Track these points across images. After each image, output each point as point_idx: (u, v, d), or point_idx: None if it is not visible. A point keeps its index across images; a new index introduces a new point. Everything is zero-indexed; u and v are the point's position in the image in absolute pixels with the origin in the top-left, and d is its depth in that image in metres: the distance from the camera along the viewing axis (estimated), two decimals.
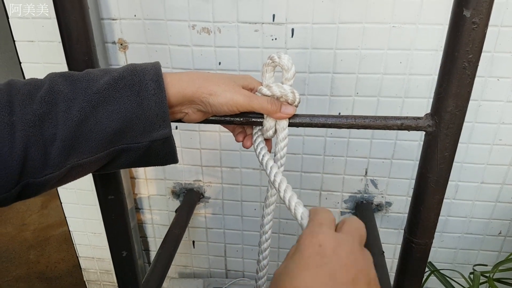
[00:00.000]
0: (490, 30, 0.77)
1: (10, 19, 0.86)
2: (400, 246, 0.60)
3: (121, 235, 0.66)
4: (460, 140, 0.88)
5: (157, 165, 0.50)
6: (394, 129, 0.52)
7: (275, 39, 0.84)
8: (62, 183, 0.45)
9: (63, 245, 1.79)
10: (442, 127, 0.49)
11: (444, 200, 0.97)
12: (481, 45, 0.45)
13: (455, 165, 0.93)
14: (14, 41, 0.88)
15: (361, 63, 0.85)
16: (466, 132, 0.89)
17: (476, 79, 0.82)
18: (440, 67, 0.48)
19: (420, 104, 0.87)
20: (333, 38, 0.83)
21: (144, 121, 0.45)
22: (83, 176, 0.46)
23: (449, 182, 0.94)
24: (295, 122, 0.52)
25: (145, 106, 0.44)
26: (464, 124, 0.86)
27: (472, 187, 0.96)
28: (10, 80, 0.43)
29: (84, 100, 0.42)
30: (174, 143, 0.48)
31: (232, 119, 0.51)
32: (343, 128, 0.52)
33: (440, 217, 0.98)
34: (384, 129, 0.52)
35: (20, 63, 0.91)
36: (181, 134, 0.99)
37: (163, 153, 0.48)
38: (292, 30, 0.83)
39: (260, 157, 0.51)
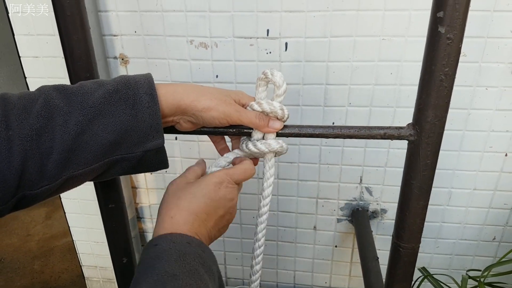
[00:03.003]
0: (477, 41, 0.81)
1: (16, 36, 0.90)
2: None
3: (122, 242, 0.69)
4: (451, 147, 0.92)
5: (149, 172, 0.53)
6: (377, 138, 0.54)
7: (270, 52, 0.87)
8: (56, 194, 0.46)
9: (66, 255, 1.81)
10: (423, 136, 0.52)
11: (438, 206, 1.00)
12: (457, 59, 0.48)
13: (447, 172, 0.96)
14: (19, 56, 0.92)
15: (353, 75, 0.88)
16: (457, 140, 0.92)
17: (465, 88, 0.86)
18: (420, 79, 0.51)
19: (411, 113, 0.89)
20: (325, 51, 0.86)
21: (139, 132, 0.47)
22: (77, 186, 0.47)
23: (442, 189, 0.97)
24: (285, 132, 0.55)
25: (140, 118, 0.46)
26: (455, 132, 0.90)
27: (465, 193, 0.98)
28: (2, 94, 0.43)
29: (80, 113, 0.44)
30: (166, 153, 0.51)
31: (225, 130, 0.54)
32: (330, 137, 0.55)
33: (434, 223, 1.02)
34: (368, 138, 0.54)
35: (25, 77, 0.95)
36: (180, 144, 1.02)
37: (156, 162, 0.51)
38: (286, 44, 0.86)
39: None
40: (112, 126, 0.45)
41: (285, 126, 0.55)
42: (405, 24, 0.82)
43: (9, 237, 1.96)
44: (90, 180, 0.51)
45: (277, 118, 0.54)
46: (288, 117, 0.54)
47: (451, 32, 0.46)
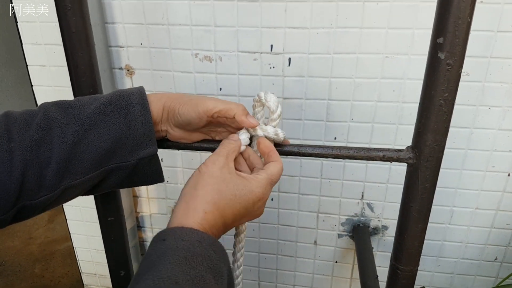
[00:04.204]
0: (480, 61, 0.81)
1: (24, 45, 0.92)
2: None
3: (120, 255, 0.69)
4: (454, 166, 0.92)
5: (146, 184, 0.53)
6: (376, 160, 0.54)
7: (273, 67, 0.88)
8: (55, 205, 0.48)
9: (67, 260, 1.82)
10: (422, 160, 0.52)
11: (440, 225, 0.99)
12: (456, 85, 0.48)
13: (449, 190, 0.96)
14: (27, 65, 0.94)
15: (356, 91, 0.88)
16: (459, 158, 0.91)
17: (468, 108, 0.86)
18: (419, 103, 0.51)
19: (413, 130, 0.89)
20: (328, 67, 0.86)
21: (132, 140, 0.48)
22: (75, 197, 0.49)
23: (444, 207, 0.97)
24: (284, 150, 0.55)
25: (133, 126, 0.48)
26: (457, 150, 0.90)
27: (467, 212, 0.97)
28: (6, 112, 0.46)
29: (76, 124, 0.46)
30: (159, 162, 0.52)
31: (213, 146, 0.55)
32: (329, 157, 0.56)
33: (436, 242, 1.01)
34: (367, 159, 0.55)
35: (32, 86, 0.96)
36: (182, 155, 1.02)
37: (150, 172, 0.52)
38: (289, 59, 0.87)
39: None
40: (106, 134, 0.47)
41: (283, 145, 0.55)
42: (408, 42, 0.82)
43: (11, 239, 1.97)
44: (87, 193, 0.52)
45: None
46: (284, 139, 0.54)
47: (451, 58, 0.46)
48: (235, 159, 0.51)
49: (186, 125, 0.52)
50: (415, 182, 0.53)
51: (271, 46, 0.86)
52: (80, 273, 1.33)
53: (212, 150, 0.55)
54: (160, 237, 0.40)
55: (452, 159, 0.91)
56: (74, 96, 0.56)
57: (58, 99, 0.49)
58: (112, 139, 0.47)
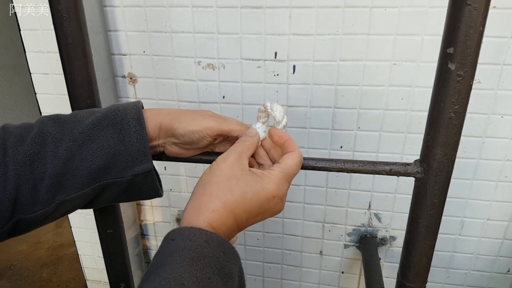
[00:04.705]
0: (493, 68, 0.79)
1: (27, 53, 0.91)
2: None
3: (120, 267, 0.68)
4: (465, 176, 0.89)
5: (143, 199, 0.52)
6: (383, 174, 0.52)
7: (277, 75, 0.86)
8: (51, 219, 0.47)
9: (74, 265, 1.82)
10: (430, 174, 0.50)
11: (450, 236, 0.96)
12: (467, 96, 0.46)
13: (460, 201, 0.93)
14: (30, 73, 0.93)
15: (362, 99, 0.86)
16: (471, 168, 0.88)
17: (479, 116, 0.83)
18: (428, 115, 0.49)
19: (422, 139, 0.87)
20: (334, 74, 0.84)
21: (127, 156, 0.47)
22: (71, 212, 0.48)
23: (454, 218, 0.94)
24: None
25: (127, 142, 0.47)
26: (469, 160, 0.87)
27: (478, 223, 0.94)
28: (3, 125, 0.46)
29: (70, 139, 0.45)
30: (156, 178, 0.51)
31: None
32: (332, 171, 0.54)
33: (445, 253, 0.98)
34: (373, 173, 0.52)
35: (35, 93, 0.96)
36: (185, 163, 1.01)
37: (146, 188, 0.50)
38: (294, 66, 0.85)
39: None
40: (100, 150, 0.46)
41: None
42: (417, 49, 0.80)
43: (19, 243, 1.98)
44: (85, 208, 0.51)
45: None
46: None
47: (461, 69, 0.44)
48: (256, 153, 0.49)
49: (186, 144, 0.50)
50: (423, 197, 0.51)
51: (275, 53, 0.84)
52: (85, 280, 1.33)
53: (211, 162, 0.53)
54: (169, 237, 0.39)
55: (463, 169, 0.88)
56: (71, 107, 0.55)
57: (61, 107, 0.49)
58: (106, 155, 0.46)
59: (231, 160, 0.44)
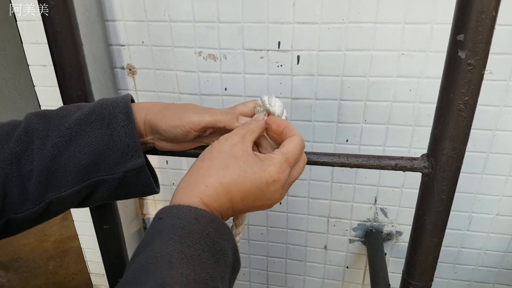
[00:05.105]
0: (505, 58, 0.75)
1: (24, 44, 0.90)
2: None
3: (117, 263, 0.66)
4: (474, 170, 0.86)
5: (137, 196, 0.50)
6: (388, 169, 0.50)
7: (281, 65, 0.83)
8: (43, 219, 0.46)
9: (80, 257, 1.82)
10: (438, 170, 0.47)
11: (457, 231, 0.94)
12: (478, 87, 0.43)
13: (468, 196, 0.90)
14: (28, 65, 0.92)
15: (369, 90, 0.83)
16: (480, 162, 0.85)
17: (491, 108, 0.80)
18: (436, 107, 0.46)
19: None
20: (339, 65, 0.81)
21: (116, 152, 0.46)
22: (64, 211, 0.47)
23: (462, 213, 0.91)
24: None
25: (116, 137, 0.45)
26: (478, 154, 0.84)
27: (486, 218, 0.91)
28: None
29: (57, 136, 0.44)
30: (149, 174, 0.49)
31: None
32: (335, 166, 0.51)
33: (453, 249, 0.95)
34: (378, 169, 0.50)
35: (34, 86, 0.94)
36: (188, 158, 0.99)
37: (140, 184, 0.49)
38: (298, 57, 0.82)
39: None
40: (88, 147, 0.44)
41: None
42: (426, 38, 0.76)
43: (26, 236, 1.99)
44: (79, 206, 0.50)
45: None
46: None
47: (472, 58, 0.41)
48: (261, 144, 0.46)
49: (173, 140, 0.48)
50: (430, 193, 0.49)
51: (279, 43, 0.81)
52: (89, 273, 1.32)
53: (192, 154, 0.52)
54: (158, 216, 0.37)
55: (473, 163, 0.85)
56: (62, 99, 0.53)
57: (60, 100, 0.48)
58: (95, 151, 0.45)
59: (233, 140, 0.42)
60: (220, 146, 0.41)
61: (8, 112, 2.24)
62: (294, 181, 0.45)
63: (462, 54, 0.41)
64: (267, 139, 0.47)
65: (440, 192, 0.48)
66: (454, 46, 0.42)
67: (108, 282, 0.69)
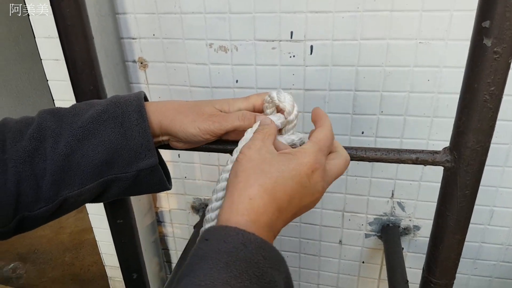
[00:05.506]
0: None
1: (36, 39, 0.89)
2: None
3: (131, 258, 0.66)
4: (496, 163, 0.83)
5: (151, 193, 0.49)
6: (408, 163, 0.48)
7: (293, 56, 0.81)
8: (57, 216, 0.46)
9: (96, 249, 1.84)
10: (462, 164, 0.45)
11: (478, 225, 0.91)
12: (505, 77, 0.41)
13: (489, 189, 0.87)
14: (41, 59, 0.91)
15: (386, 81, 0.80)
16: (502, 154, 0.82)
17: None
18: (460, 98, 0.44)
19: (451, 124, 0.81)
20: (355, 54, 0.79)
21: (129, 151, 0.45)
22: (77, 207, 0.47)
23: (483, 207, 0.88)
24: None
25: (129, 136, 0.45)
26: (500, 146, 0.81)
27: (509, 212, 0.88)
28: (4, 119, 0.45)
29: (69, 134, 0.44)
30: (162, 172, 0.48)
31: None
32: (352, 160, 0.49)
33: (473, 243, 0.93)
34: (397, 163, 0.48)
35: (47, 80, 0.94)
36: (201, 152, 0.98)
37: (153, 182, 0.48)
38: (311, 47, 0.80)
39: None
40: (101, 146, 0.44)
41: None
42: (445, 26, 0.73)
43: (43, 228, 2.02)
44: (92, 202, 0.49)
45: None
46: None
47: (499, 46, 0.39)
48: (277, 147, 0.44)
49: (189, 142, 0.48)
50: (453, 188, 0.47)
51: (291, 33, 0.79)
52: (104, 265, 1.34)
53: (223, 151, 0.50)
54: (204, 236, 0.34)
55: (495, 155, 0.82)
56: (74, 93, 0.52)
57: (73, 95, 0.47)
58: (108, 150, 0.44)
59: (257, 146, 0.40)
60: (247, 156, 0.39)
61: (23, 107, 2.27)
62: (335, 177, 0.43)
63: (487, 42, 0.39)
64: (281, 141, 0.45)
65: (464, 187, 0.46)
66: (479, 33, 0.40)
67: (122, 277, 0.69)
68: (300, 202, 0.39)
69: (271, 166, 0.38)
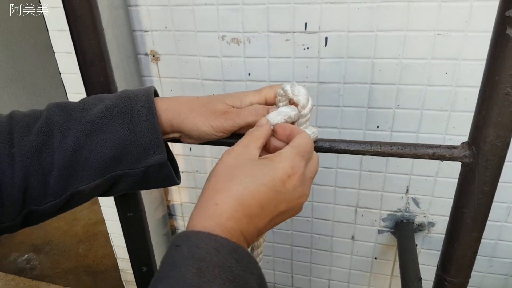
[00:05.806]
0: None
1: (50, 32, 0.90)
2: None
3: (141, 251, 0.66)
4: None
5: (159, 187, 0.50)
6: (425, 158, 0.46)
7: (307, 48, 0.80)
8: (64, 210, 0.46)
9: (109, 241, 1.85)
10: (480, 159, 0.43)
11: (495, 223, 0.89)
12: None
13: (506, 185, 0.85)
14: (54, 52, 0.92)
15: (402, 73, 0.78)
16: None
17: None
18: (480, 91, 0.42)
19: (469, 118, 0.79)
20: (370, 46, 0.77)
21: (138, 147, 0.45)
22: (85, 202, 0.47)
23: (500, 204, 0.86)
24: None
25: (138, 132, 0.44)
26: None
27: None
28: (12, 112, 0.45)
29: (77, 129, 0.43)
30: (171, 168, 0.48)
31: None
32: (367, 155, 0.48)
33: (489, 241, 0.91)
34: (414, 158, 0.47)
35: (60, 73, 0.94)
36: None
37: (161, 178, 0.48)
38: (326, 38, 0.78)
39: None
40: (110, 141, 0.44)
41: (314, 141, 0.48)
42: (465, 17, 0.71)
43: (57, 220, 2.05)
44: (100, 196, 0.49)
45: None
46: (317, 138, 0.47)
47: None
48: (274, 147, 0.43)
49: (201, 139, 0.48)
50: (471, 184, 0.45)
51: (305, 24, 0.78)
52: (115, 258, 1.35)
53: (231, 144, 0.49)
54: (174, 243, 0.34)
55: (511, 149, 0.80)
56: (84, 86, 0.52)
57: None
58: (116, 146, 0.44)
59: (236, 151, 0.39)
60: (223, 161, 0.38)
61: (38, 99, 2.30)
62: (312, 178, 0.42)
63: (511, 32, 0.37)
64: (277, 140, 0.44)
65: (482, 183, 0.44)
66: (503, 23, 0.38)
67: (132, 270, 0.69)
68: (275, 209, 0.38)
69: (244, 172, 0.37)
